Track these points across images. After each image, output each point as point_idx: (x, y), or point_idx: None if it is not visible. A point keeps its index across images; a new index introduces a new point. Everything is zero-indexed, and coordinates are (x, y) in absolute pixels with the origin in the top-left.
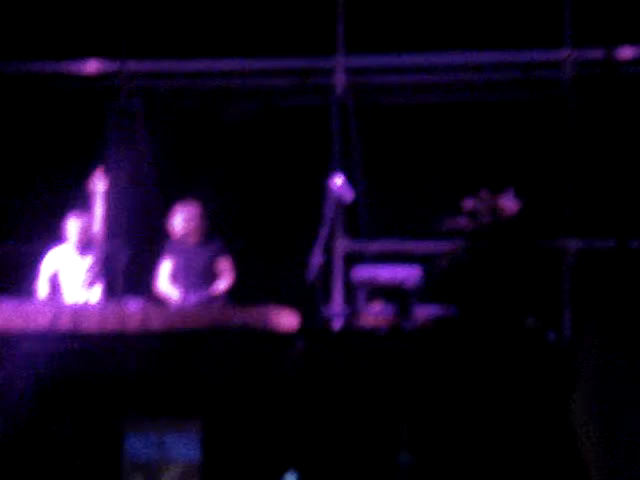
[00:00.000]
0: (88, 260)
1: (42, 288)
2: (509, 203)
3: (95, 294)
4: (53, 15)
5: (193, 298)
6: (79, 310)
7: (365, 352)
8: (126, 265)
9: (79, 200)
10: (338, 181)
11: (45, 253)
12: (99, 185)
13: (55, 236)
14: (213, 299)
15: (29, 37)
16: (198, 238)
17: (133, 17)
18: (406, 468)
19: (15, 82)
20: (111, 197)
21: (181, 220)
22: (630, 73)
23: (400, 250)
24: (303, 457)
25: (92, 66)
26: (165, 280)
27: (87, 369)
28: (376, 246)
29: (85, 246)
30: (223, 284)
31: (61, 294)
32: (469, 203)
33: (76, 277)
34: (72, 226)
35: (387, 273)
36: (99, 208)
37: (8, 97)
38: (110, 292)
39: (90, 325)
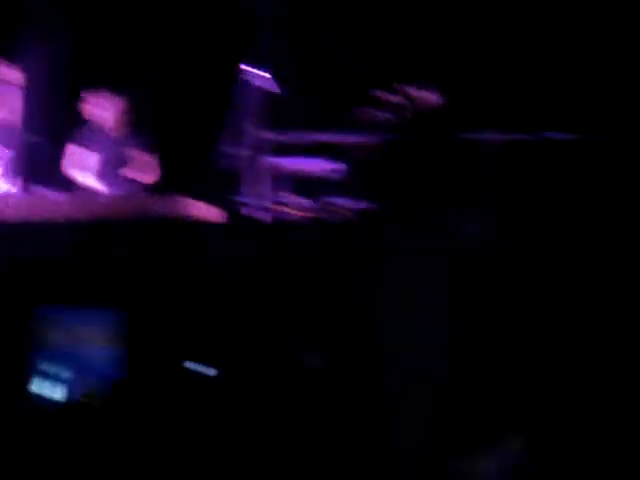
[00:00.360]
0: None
1: None
2: (430, 96)
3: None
4: None
5: (114, 189)
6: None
7: (289, 244)
8: (47, 157)
9: None
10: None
11: None
12: (13, 75)
13: None
14: (133, 189)
15: None
16: (118, 129)
17: None
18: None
19: None
20: (29, 87)
21: (102, 111)
22: None
23: (321, 142)
24: (218, 352)
25: None
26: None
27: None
28: (298, 136)
29: None
30: (145, 176)
31: None
32: (390, 95)
33: None
34: None
35: (311, 164)
36: (15, 99)
37: None
38: (32, 184)
39: (15, 213)
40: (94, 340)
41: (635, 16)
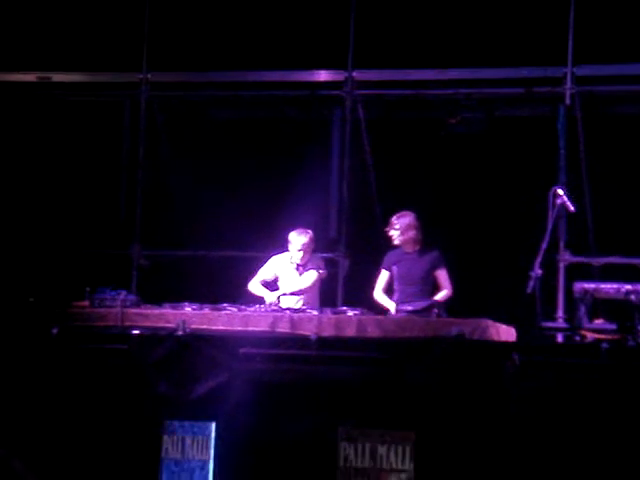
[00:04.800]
0: (305, 275)
1: (258, 291)
2: None
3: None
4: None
5: (410, 307)
6: (297, 316)
7: (585, 367)
8: (347, 274)
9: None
10: (561, 193)
11: (262, 260)
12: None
13: (271, 244)
14: (430, 309)
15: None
16: (415, 248)
17: (360, 26)
18: None
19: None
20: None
21: (399, 229)
22: None
23: (625, 265)
24: (512, 476)
25: (321, 75)
26: (380, 289)
27: (304, 374)
28: (600, 260)
29: (303, 262)
30: (442, 295)
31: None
32: None
33: (291, 287)
34: (295, 240)
35: (611, 287)
36: None
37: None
38: (330, 301)
39: (307, 330)
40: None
41: None
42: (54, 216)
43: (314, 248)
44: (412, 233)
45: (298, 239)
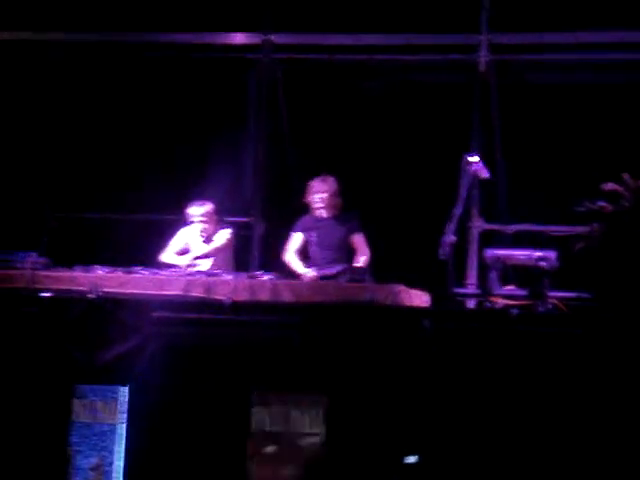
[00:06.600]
0: (212, 245)
1: (171, 260)
2: None
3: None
4: None
5: (324, 271)
6: (211, 280)
7: (496, 333)
8: (261, 238)
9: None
10: (474, 160)
11: (176, 227)
12: None
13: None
14: (344, 274)
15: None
16: (333, 213)
17: None
18: None
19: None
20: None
21: (317, 194)
22: None
23: (536, 233)
24: (425, 439)
25: (237, 38)
26: (292, 252)
27: (217, 338)
28: (512, 228)
29: (209, 233)
30: (361, 260)
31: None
32: (610, 185)
33: (200, 260)
34: (194, 212)
35: (522, 254)
36: None
37: (152, 66)
38: (244, 265)
39: (221, 294)
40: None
41: None
42: None
43: (218, 219)
44: (331, 197)
45: (196, 211)
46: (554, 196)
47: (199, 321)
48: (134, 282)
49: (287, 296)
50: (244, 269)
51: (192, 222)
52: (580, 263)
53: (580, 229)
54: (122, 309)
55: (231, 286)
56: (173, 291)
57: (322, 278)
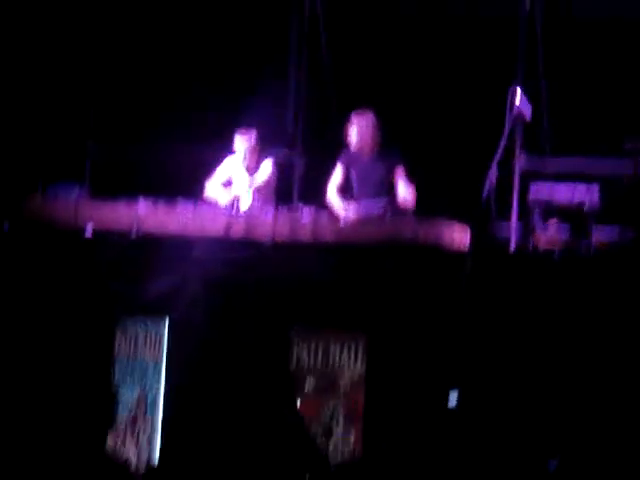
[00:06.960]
0: (255, 177)
1: (215, 192)
2: None
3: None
4: None
5: (366, 209)
6: (252, 220)
7: (537, 276)
8: (302, 174)
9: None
10: (518, 96)
11: (221, 158)
12: None
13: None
14: (386, 210)
15: None
16: (373, 148)
17: None
18: None
19: None
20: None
21: (357, 130)
22: None
23: (580, 169)
24: (465, 375)
25: None
26: (334, 189)
27: (258, 278)
28: (556, 164)
29: (251, 164)
30: (402, 196)
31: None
32: None
33: (244, 190)
34: (238, 141)
35: (565, 192)
36: None
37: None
38: (285, 200)
39: (262, 235)
40: (342, 362)
41: None
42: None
43: (261, 148)
44: (371, 133)
45: (240, 139)
46: (600, 131)
47: (239, 261)
48: (175, 220)
49: (328, 236)
50: (285, 200)
51: (236, 151)
52: (624, 201)
53: (625, 166)
54: (162, 249)
55: (271, 227)
56: (214, 230)
57: (364, 216)
